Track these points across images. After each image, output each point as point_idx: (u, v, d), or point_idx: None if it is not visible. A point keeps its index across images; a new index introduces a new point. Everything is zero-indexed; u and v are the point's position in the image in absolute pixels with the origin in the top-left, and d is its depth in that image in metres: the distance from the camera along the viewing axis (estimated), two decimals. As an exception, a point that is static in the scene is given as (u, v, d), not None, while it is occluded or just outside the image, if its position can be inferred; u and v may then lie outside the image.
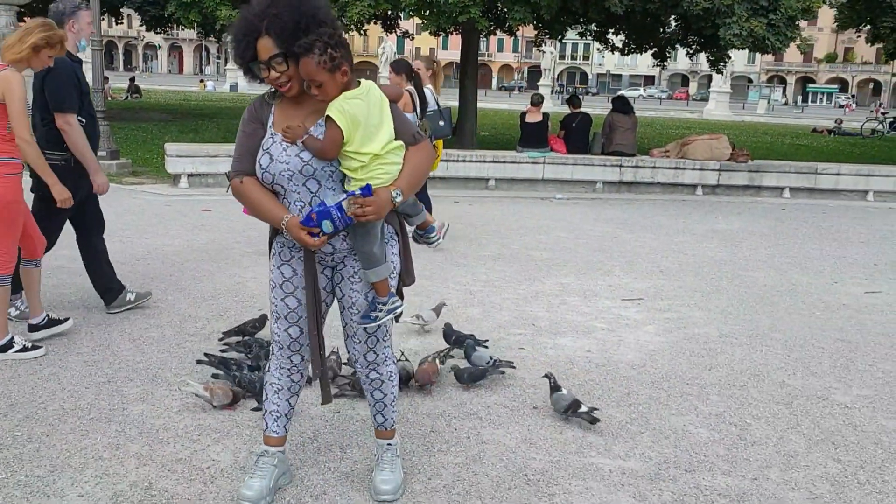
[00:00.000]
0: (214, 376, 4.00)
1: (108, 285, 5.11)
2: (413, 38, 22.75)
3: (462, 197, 11.11)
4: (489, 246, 7.87)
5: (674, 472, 3.36)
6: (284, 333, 2.88)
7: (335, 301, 2.95)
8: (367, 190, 2.60)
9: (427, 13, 13.55)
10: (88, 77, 6.49)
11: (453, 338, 4.63)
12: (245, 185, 2.72)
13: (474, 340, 4.54)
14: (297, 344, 2.90)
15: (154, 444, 3.38)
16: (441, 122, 6.98)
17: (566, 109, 13.07)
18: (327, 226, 2.59)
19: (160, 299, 5.41)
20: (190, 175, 10.42)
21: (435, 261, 7.03)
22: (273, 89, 2.75)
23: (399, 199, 2.71)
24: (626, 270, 7.09)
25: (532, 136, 12.01)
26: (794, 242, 8.87)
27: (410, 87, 6.87)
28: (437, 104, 7.13)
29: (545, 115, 12.15)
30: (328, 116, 2.60)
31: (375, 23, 16.65)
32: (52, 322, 4.63)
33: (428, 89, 7.16)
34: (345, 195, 2.63)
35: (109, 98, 25.51)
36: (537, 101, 12.20)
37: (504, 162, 11.96)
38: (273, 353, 2.96)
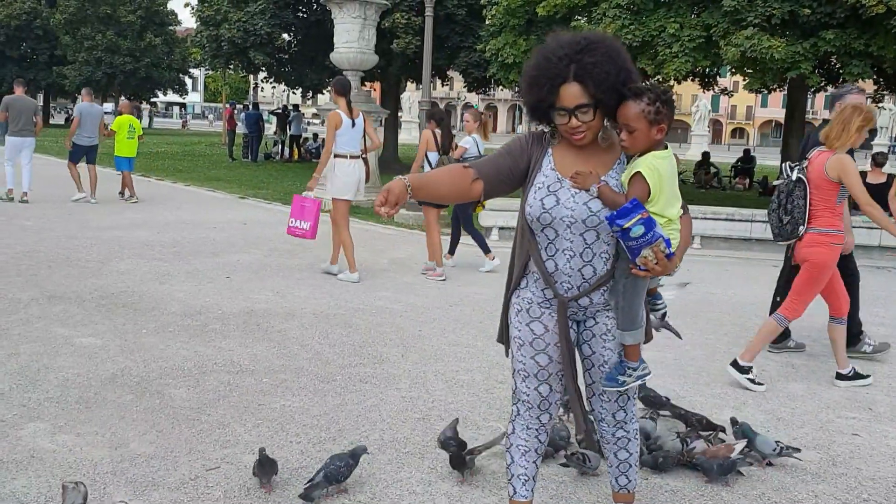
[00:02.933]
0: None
1: (853, 330, 5.63)
2: (731, 95, 21.96)
3: (777, 259, 10.29)
4: (812, 315, 7.16)
5: None
6: (535, 392, 2.76)
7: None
8: (671, 253, 2.50)
9: (751, 70, 12.95)
10: (416, 134, 7.42)
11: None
12: (458, 169, 2.67)
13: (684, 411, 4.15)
14: (547, 402, 2.79)
15: (463, 485, 3.46)
16: None
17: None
18: (637, 230, 2.41)
19: (471, 344, 5.61)
20: (500, 228, 10.84)
21: (749, 328, 6.54)
22: (552, 130, 2.64)
23: (674, 275, 2.68)
24: None
25: (873, 198, 10.87)
26: None
27: (437, 129, 8.33)
28: (479, 151, 8.24)
29: (890, 175, 10.97)
30: (638, 172, 2.51)
31: (693, 80, 16.31)
32: (856, 375, 5.16)
33: (473, 137, 8.31)
34: (660, 234, 2.47)
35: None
36: (881, 161, 11.12)
37: (831, 226, 10.93)
38: (519, 414, 2.83)
